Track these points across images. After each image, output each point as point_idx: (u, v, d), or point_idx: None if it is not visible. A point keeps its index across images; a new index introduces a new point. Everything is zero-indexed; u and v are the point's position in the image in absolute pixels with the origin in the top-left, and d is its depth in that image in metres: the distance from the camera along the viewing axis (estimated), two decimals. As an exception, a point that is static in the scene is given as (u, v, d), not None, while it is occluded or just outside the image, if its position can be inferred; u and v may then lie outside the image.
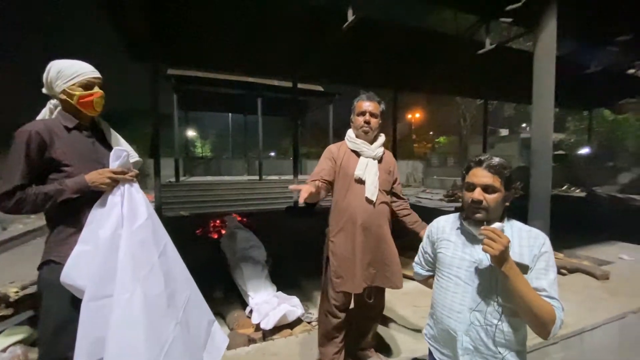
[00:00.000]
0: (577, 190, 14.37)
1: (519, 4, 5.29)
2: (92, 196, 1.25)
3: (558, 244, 3.91)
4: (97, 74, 1.38)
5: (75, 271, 1.17)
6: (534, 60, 3.47)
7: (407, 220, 1.92)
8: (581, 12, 5.52)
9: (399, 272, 1.83)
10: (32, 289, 3.14)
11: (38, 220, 7.03)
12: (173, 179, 12.01)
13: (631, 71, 9.48)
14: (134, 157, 1.48)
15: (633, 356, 2.59)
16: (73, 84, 1.32)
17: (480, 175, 1.08)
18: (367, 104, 1.80)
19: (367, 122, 1.79)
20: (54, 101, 1.38)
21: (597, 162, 17.02)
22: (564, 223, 3.34)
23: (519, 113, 27.16)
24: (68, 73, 1.31)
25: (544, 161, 3.42)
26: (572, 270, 3.45)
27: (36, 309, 2.42)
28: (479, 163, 1.10)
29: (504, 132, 25.52)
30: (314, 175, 1.80)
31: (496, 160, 1.09)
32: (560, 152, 19.03)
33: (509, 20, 5.98)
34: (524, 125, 27.70)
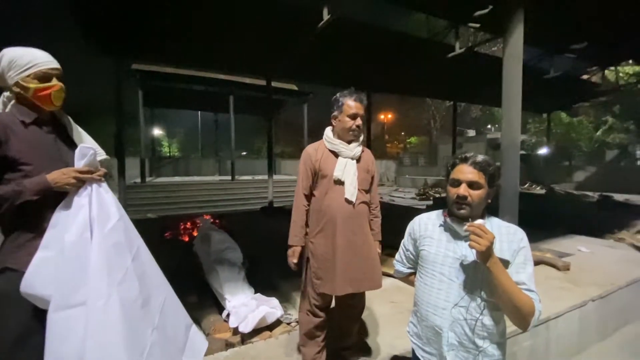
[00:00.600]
0: (538, 188, 15.29)
1: (486, 10, 5.55)
2: (53, 198, 1.14)
3: (523, 238, 4.12)
4: (55, 64, 1.26)
5: (38, 279, 1.07)
6: (503, 64, 3.62)
7: None
8: (541, 21, 5.87)
9: (379, 272, 1.84)
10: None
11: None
12: (139, 180, 11.46)
13: (585, 77, 10.22)
14: (102, 154, 1.38)
15: (594, 340, 2.78)
16: (27, 76, 1.20)
17: (466, 172, 1.10)
18: (357, 106, 1.74)
19: (359, 127, 1.75)
20: (7, 93, 1.24)
21: (555, 161, 18.22)
22: (527, 218, 3.53)
23: (484, 115, 28.54)
24: (21, 63, 1.19)
25: (512, 159, 3.58)
26: (536, 263, 3.63)
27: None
28: (465, 160, 1.12)
29: (471, 132, 26.70)
30: (301, 189, 1.80)
31: (481, 157, 1.11)
32: (522, 152, 20.18)
33: (477, 25, 6.26)
34: (489, 126, 29.11)
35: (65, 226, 1.11)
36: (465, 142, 24.03)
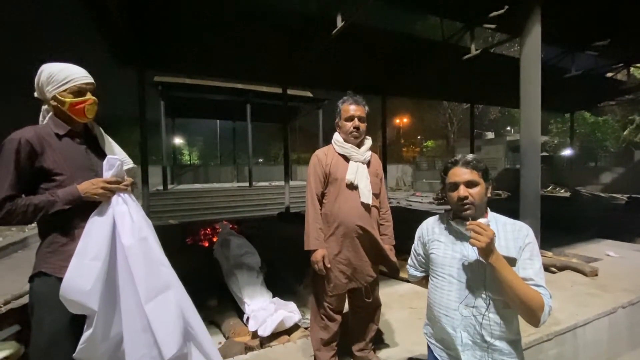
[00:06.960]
0: (562, 191, 14.75)
1: (502, 10, 5.47)
2: (84, 206, 1.21)
3: (546, 243, 3.97)
4: (89, 79, 1.33)
5: (75, 285, 1.13)
6: (520, 65, 3.56)
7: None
8: (560, 19, 5.73)
9: (394, 261, 1.88)
10: (15, 303, 3.03)
11: (19, 233, 6.80)
12: (161, 187, 11.83)
13: (610, 74, 9.84)
14: (129, 163, 1.43)
15: (624, 349, 2.65)
16: (64, 90, 1.27)
17: (460, 173, 1.13)
18: (354, 108, 1.79)
19: (357, 128, 1.78)
20: (45, 106, 1.33)
21: (580, 162, 17.54)
22: (551, 222, 3.42)
23: (503, 116, 27.84)
24: (59, 78, 1.26)
25: (532, 162, 3.49)
26: (561, 268, 3.51)
27: (22, 323, 2.33)
28: (455, 163, 1.16)
29: (490, 135, 26.08)
30: (314, 193, 1.81)
31: (470, 156, 1.15)
32: (545, 154, 19.54)
33: (493, 26, 6.17)
34: (508, 128, 28.37)
35: (99, 234, 1.18)
36: (483, 144, 23.48)
